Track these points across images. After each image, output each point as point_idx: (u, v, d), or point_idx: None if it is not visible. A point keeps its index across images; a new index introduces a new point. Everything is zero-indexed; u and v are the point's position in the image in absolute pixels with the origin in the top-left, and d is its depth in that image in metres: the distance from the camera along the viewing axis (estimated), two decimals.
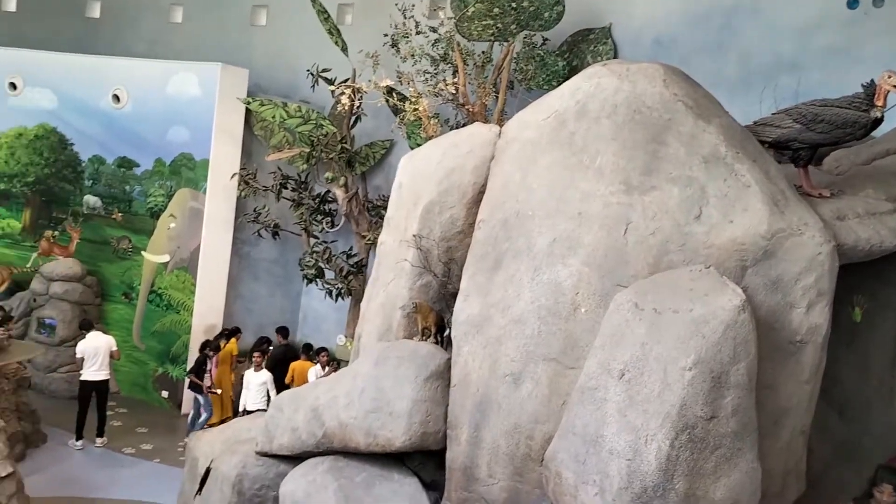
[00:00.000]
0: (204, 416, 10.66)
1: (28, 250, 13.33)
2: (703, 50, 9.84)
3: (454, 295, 6.27)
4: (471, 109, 9.82)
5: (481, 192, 6.28)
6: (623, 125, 5.56)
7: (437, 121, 9.81)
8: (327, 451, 6.45)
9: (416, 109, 9.64)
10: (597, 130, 5.70)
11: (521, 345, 5.44)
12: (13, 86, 12.98)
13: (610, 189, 5.47)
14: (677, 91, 5.59)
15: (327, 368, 10.41)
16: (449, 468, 5.76)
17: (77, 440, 10.45)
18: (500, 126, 6.62)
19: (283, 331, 11.74)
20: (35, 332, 12.40)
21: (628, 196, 5.40)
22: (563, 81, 9.19)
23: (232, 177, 11.96)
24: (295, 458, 6.71)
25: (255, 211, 12.08)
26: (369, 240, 11.27)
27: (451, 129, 10.16)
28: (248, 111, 12.16)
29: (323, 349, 10.98)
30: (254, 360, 10.30)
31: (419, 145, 10.41)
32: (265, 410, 8.37)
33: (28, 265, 13.25)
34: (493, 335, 5.63)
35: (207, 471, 7.27)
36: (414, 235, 6.38)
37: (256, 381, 10.14)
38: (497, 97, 9.78)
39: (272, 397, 10.00)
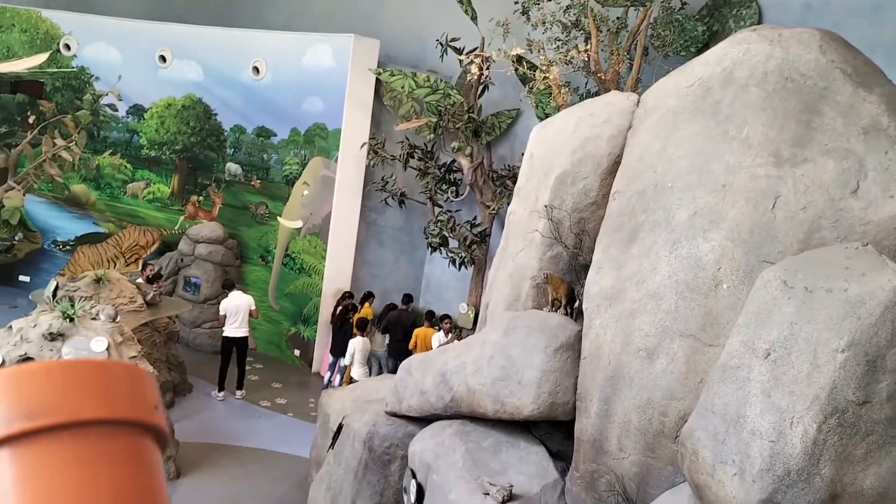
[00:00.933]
0: (338, 378, 11.13)
1: (176, 214, 14.29)
2: (857, 13, 9.14)
3: (585, 267, 6.22)
4: (603, 77, 9.59)
5: (617, 163, 6.16)
6: (773, 94, 5.28)
7: (567, 89, 9.66)
8: (454, 415, 6.61)
9: (545, 78, 9.52)
10: (744, 99, 5.44)
11: (657, 320, 5.34)
12: (163, 58, 13.83)
13: (757, 161, 5.22)
14: (835, 58, 5.24)
15: (450, 335, 10.60)
16: (577, 439, 5.77)
17: (219, 391, 11.19)
18: (637, 95, 6.45)
19: (407, 297, 12.04)
20: (182, 290, 13.32)
21: (777, 169, 5.14)
22: (703, 48, 8.84)
23: (362, 146, 12.28)
24: (422, 420, 6.92)
25: (382, 179, 12.37)
26: (493, 210, 11.31)
27: (580, 98, 9.98)
28: (377, 81, 12.41)
29: (446, 316, 11.18)
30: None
31: (547, 115, 10.31)
32: None
33: (176, 227, 14.21)
34: (626, 309, 5.55)
35: (340, 427, 7.63)
36: (545, 206, 6.36)
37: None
38: (631, 65, 9.50)
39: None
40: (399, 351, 10.82)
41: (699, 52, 8.38)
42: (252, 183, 13.52)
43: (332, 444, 7.65)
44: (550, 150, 6.61)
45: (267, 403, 11.31)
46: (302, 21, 13.93)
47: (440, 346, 10.60)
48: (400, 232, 13.43)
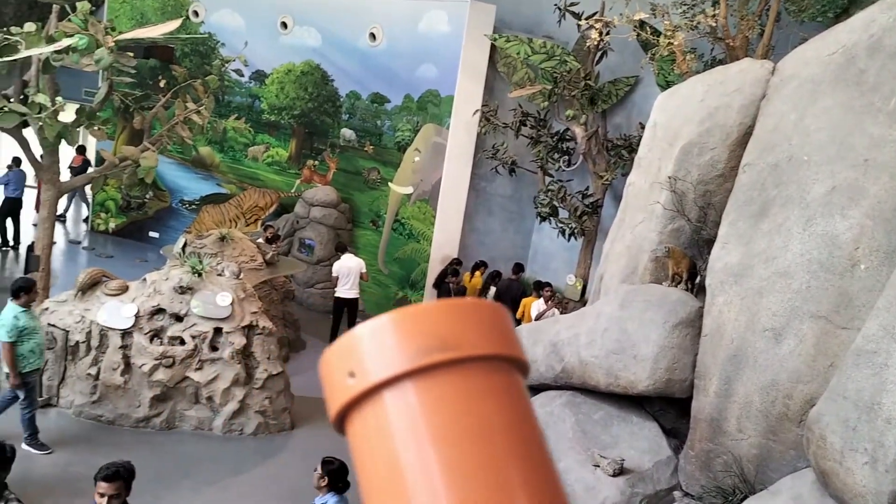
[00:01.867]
0: None
1: (293, 177, 14.79)
2: None
3: (708, 241, 6.03)
4: (731, 44, 9.14)
5: (748, 134, 5.89)
6: None
7: (692, 56, 9.28)
8: (564, 386, 6.60)
9: (669, 44, 9.16)
10: (893, 69, 5.07)
11: (786, 299, 5.12)
12: (284, 25, 14.22)
13: None
14: None
15: (549, 303, 10.54)
16: (694, 418, 5.65)
17: None
18: (771, 62, 6.12)
19: (517, 267, 12.02)
20: (297, 251, 13.84)
21: None
22: (842, 13, 8.26)
23: (474, 113, 12.27)
24: (530, 388, 6.95)
25: (493, 147, 12.33)
26: (607, 180, 11.09)
27: (705, 66, 9.57)
28: (491, 47, 12.32)
29: (547, 284, 11.05)
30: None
31: (669, 83, 9.96)
32: None
33: (293, 190, 14.72)
34: (752, 286, 5.34)
35: None
36: (668, 177, 6.18)
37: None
38: (762, 31, 9.00)
39: None
40: None
41: (837, 18, 7.85)
42: (365, 148, 13.79)
43: None
44: (676, 119, 6.39)
45: None
46: None
47: (539, 314, 10.58)
48: (509, 200, 13.40)
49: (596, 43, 10.63)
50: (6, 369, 7.24)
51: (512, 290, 11.47)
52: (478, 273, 11.92)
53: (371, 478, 0.58)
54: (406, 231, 13.24)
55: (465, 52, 12.08)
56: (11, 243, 14.54)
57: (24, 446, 7.39)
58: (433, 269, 12.54)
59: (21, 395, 7.32)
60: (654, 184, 6.41)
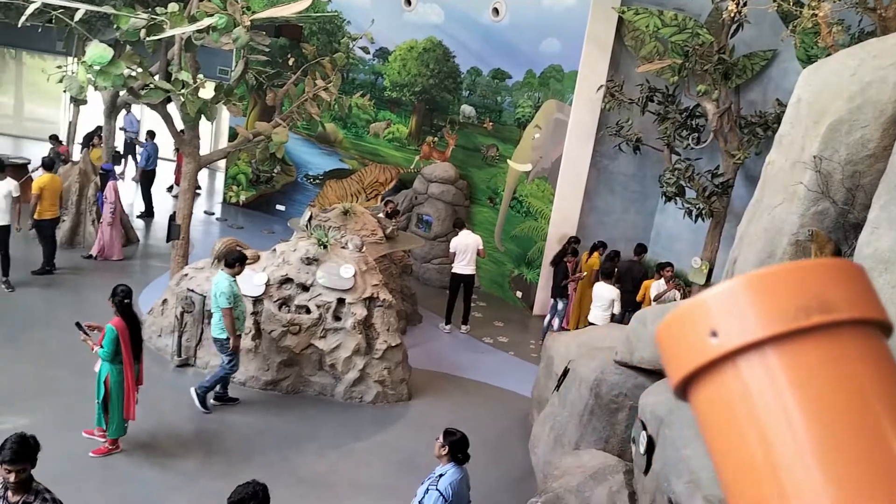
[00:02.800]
0: (556, 321, 11.23)
1: (412, 153, 14.99)
2: None
3: (855, 225, 5.62)
4: (883, 14, 8.43)
5: None
6: None
7: (839, 28, 8.63)
8: None
9: (814, 15, 8.55)
10: None
11: None
12: (408, 2, 14.35)
13: None
14: None
15: (669, 284, 10.20)
16: None
17: (445, 324, 11.76)
18: None
19: (640, 248, 11.72)
20: (414, 227, 14.06)
21: None
22: None
23: (598, 89, 11.97)
24: (654, 373, 6.77)
25: (617, 124, 11.99)
26: (739, 159, 10.55)
27: (851, 40, 8.89)
28: (619, 21, 11.95)
29: (668, 264, 10.70)
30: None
31: (811, 57, 9.34)
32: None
33: (412, 166, 14.93)
34: None
35: (566, 370, 7.70)
36: (813, 157, 5.78)
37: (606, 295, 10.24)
38: None
39: (615, 313, 10.16)
40: (627, 302, 10.62)
41: None
42: (484, 125, 13.77)
43: (558, 387, 7.75)
44: (823, 95, 5.97)
45: (489, 340, 11.70)
46: None
47: (658, 295, 10.27)
48: (631, 179, 13.04)
49: (731, 15, 10.07)
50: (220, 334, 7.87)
51: (633, 272, 11.18)
52: (596, 254, 11.71)
53: (729, 448, 0.56)
54: (523, 209, 13.16)
55: (590, 26, 11.79)
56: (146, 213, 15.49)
57: (193, 393, 7.95)
58: (550, 248, 12.42)
59: (228, 358, 8.00)
60: (797, 163, 6.02)
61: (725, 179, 10.82)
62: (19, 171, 13.27)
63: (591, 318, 10.34)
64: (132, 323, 6.92)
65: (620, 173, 13.00)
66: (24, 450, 4.03)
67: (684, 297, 10.48)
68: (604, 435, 6.94)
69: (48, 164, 11.48)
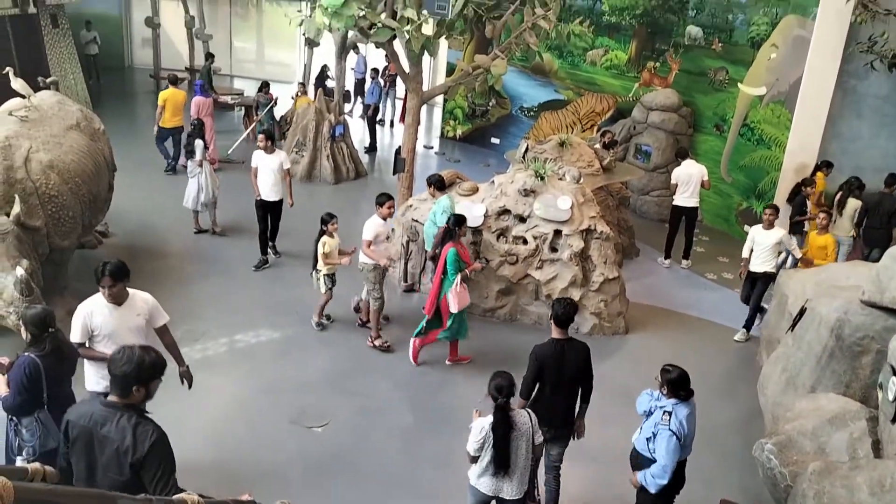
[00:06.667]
0: (790, 259, 10.43)
1: (631, 81, 14.39)
2: None
3: None
4: None
5: None
6: None
7: None
8: None
9: None
10: None
11: None
12: None
13: None
14: None
15: None
16: None
17: (665, 259, 11.37)
18: None
19: (891, 178, 10.34)
20: (632, 157, 13.60)
21: None
22: None
23: (848, 0, 10.62)
24: None
25: (870, 39, 10.59)
26: None
27: None
28: None
29: None
30: (765, 216, 9.00)
31: None
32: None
33: (630, 95, 14.36)
34: None
35: (802, 310, 7.16)
36: None
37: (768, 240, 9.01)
38: None
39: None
40: (876, 238, 9.59)
41: None
42: (713, 46, 12.82)
43: (793, 327, 7.25)
44: None
45: (713, 276, 11.16)
46: None
47: None
48: (884, 102, 11.54)
49: None
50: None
51: (884, 206, 10.02)
52: (819, 174, 10.64)
53: None
54: (755, 136, 12.20)
55: None
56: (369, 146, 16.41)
57: None
58: (785, 179, 11.45)
59: None
60: None
61: None
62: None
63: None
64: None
65: (871, 95, 11.54)
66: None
67: None
68: (844, 379, 6.41)
69: (172, 80, 13.18)
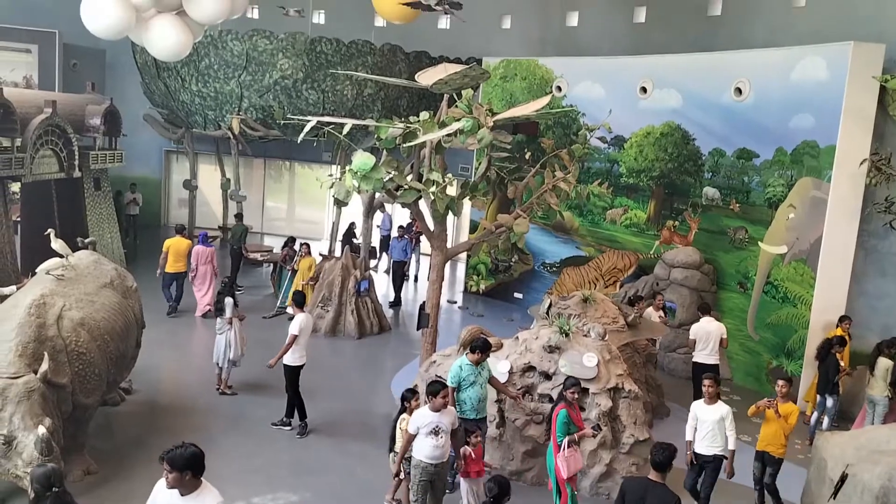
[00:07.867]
0: (826, 419, 10.10)
1: (651, 238, 14.66)
2: None
3: None
4: None
5: None
6: None
7: None
8: None
9: None
10: None
11: None
12: (644, 90, 14.39)
13: None
14: None
15: None
16: None
17: None
18: None
19: None
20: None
21: None
22: None
23: (861, 163, 10.97)
24: None
25: (886, 200, 10.88)
26: None
27: None
28: (882, 90, 10.98)
29: None
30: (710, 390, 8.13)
31: None
32: None
33: (651, 252, 14.58)
34: None
35: (843, 476, 6.83)
36: None
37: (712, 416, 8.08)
38: None
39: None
40: None
41: None
42: (731, 206, 13.13)
43: (835, 494, 6.88)
44: None
45: (747, 438, 10.73)
46: (787, 35, 13.14)
47: None
48: None
49: None
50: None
51: None
52: (838, 329, 10.54)
53: None
54: (780, 294, 12.18)
55: (848, 98, 10.95)
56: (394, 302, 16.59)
57: None
58: (814, 336, 11.30)
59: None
60: None
61: None
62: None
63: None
64: None
65: (893, 253, 11.63)
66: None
67: None
68: None
69: (179, 229, 14.33)
